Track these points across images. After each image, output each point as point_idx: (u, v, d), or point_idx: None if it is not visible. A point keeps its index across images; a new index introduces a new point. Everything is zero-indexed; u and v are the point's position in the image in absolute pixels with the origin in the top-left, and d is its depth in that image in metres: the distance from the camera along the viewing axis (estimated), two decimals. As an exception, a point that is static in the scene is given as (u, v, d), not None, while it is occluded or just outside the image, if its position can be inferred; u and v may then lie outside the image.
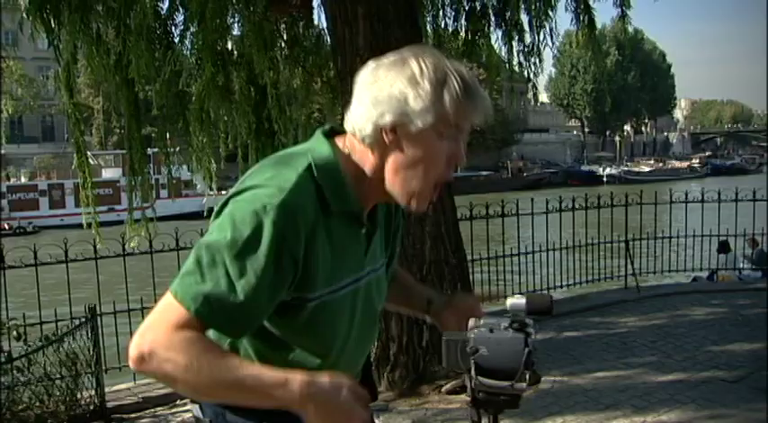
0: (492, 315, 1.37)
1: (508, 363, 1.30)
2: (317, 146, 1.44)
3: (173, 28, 5.72)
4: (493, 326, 1.33)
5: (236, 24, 6.04)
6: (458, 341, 1.34)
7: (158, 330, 1.28)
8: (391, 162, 1.39)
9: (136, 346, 1.27)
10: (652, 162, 67.25)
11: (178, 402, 5.01)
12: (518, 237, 7.74)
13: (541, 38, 6.76)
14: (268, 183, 1.33)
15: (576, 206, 8.01)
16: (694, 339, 6.09)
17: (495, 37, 6.91)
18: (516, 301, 1.34)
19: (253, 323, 1.35)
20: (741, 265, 10.14)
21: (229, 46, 6.08)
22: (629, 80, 70.49)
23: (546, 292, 7.58)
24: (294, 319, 1.39)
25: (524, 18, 6.84)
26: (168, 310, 1.30)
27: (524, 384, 1.29)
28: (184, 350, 1.26)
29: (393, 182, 1.40)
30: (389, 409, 4.67)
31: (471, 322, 1.37)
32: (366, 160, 1.42)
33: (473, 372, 1.31)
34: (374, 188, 1.43)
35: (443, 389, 4.81)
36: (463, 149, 1.40)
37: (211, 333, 1.33)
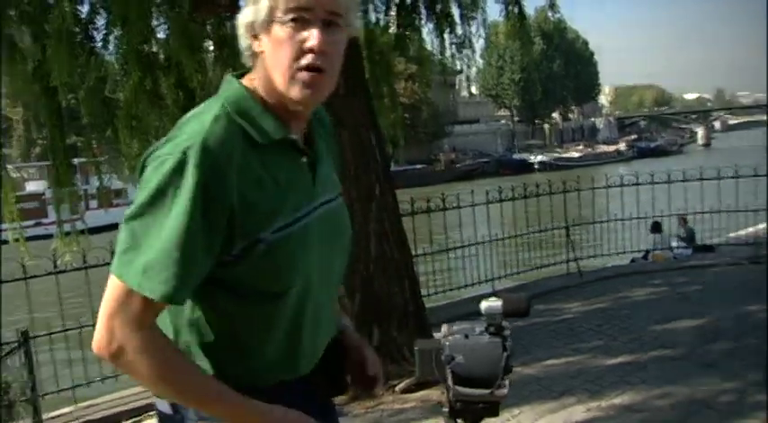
0: (465, 320, 1.30)
1: (486, 369, 1.24)
2: (226, 88, 1.41)
3: (95, 32, 5.47)
4: (467, 331, 1.26)
5: (161, 27, 5.83)
6: (431, 350, 1.27)
7: (118, 322, 1.25)
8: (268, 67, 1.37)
9: (101, 338, 1.27)
10: (581, 147, 68.67)
11: (123, 423, 4.82)
12: (460, 230, 7.75)
13: (473, 30, 6.78)
14: (184, 131, 1.29)
15: (516, 196, 8.07)
16: (638, 320, 6.21)
17: (427, 30, 6.89)
18: (491, 303, 1.26)
19: (195, 279, 1.28)
20: (674, 244, 10.45)
21: (155, 49, 5.87)
22: (554, 68, 71.86)
23: (492, 283, 7.62)
24: (250, 261, 1.31)
25: (455, 11, 6.85)
26: (120, 295, 1.26)
27: (504, 391, 1.23)
28: (154, 357, 1.27)
29: (275, 83, 1.36)
30: (344, 413, 4.58)
31: (444, 328, 1.30)
32: (264, 80, 1.38)
33: (450, 381, 1.24)
34: (289, 109, 1.38)
35: (397, 388, 4.75)
36: (319, 32, 1.31)
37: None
